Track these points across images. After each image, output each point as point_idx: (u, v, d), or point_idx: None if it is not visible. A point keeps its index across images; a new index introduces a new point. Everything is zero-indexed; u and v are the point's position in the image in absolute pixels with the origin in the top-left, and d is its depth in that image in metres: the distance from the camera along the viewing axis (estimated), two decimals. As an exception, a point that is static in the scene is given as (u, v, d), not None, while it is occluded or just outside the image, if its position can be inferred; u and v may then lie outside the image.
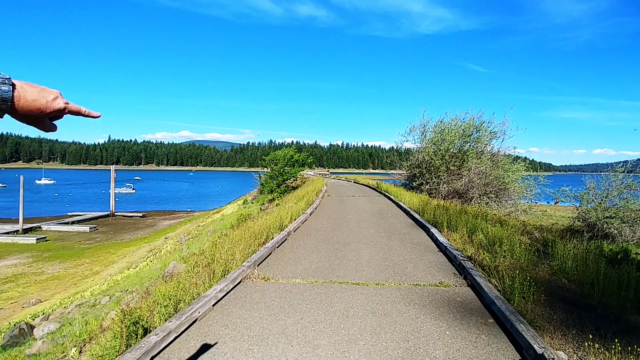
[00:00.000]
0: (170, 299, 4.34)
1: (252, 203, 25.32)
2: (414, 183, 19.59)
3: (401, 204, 13.97)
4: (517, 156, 18.60)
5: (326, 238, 8.27)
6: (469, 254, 6.21)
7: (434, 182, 18.03)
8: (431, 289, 4.98)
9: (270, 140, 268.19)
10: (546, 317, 3.98)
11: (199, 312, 4.00)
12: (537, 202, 21.24)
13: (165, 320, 3.84)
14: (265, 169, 25.44)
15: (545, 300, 4.37)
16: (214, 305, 4.34)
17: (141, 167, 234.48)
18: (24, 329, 8.64)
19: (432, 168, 18.38)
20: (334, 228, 9.54)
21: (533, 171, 18.90)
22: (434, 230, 8.53)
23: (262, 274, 5.52)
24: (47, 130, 1.04)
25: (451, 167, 17.74)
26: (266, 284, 5.18)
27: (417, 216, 10.87)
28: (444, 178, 17.73)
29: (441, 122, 19.46)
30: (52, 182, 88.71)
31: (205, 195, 73.57)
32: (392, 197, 16.82)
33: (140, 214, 40.65)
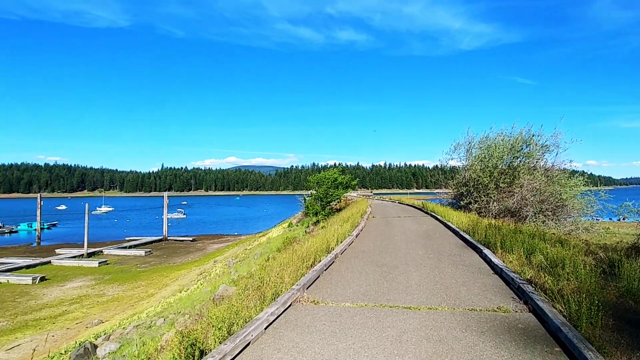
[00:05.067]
0: (224, 322, 4.46)
1: (297, 226, 25.60)
2: (461, 202, 18.89)
3: (449, 224, 13.49)
4: (573, 170, 17.44)
5: (374, 260, 8.15)
6: (528, 277, 5.84)
7: (483, 200, 17.28)
8: (489, 314, 4.72)
9: (313, 163, 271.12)
10: (614, 342, 3.68)
11: (252, 335, 4.07)
12: (598, 219, 19.63)
13: (220, 343, 3.94)
14: (309, 191, 25.72)
15: (613, 325, 4.03)
16: (265, 328, 4.40)
17: (191, 193, 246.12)
18: (88, 348, 9.19)
19: (480, 186, 17.66)
20: (381, 250, 9.39)
21: (593, 186, 17.56)
22: (486, 251, 8.14)
23: (312, 297, 5.53)
24: None
25: (501, 185, 16.95)
26: (316, 307, 5.17)
27: (467, 236, 10.43)
28: (494, 196, 16.95)
29: (486, 137, 18.82)
30: (111, 209, 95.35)
31: (252, 218, 75.47)
32: (439, 217, 16.32)
33: (191, 238, 42.39)
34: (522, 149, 17.54)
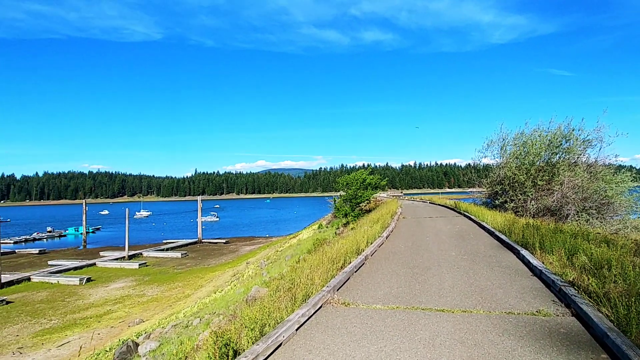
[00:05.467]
0: (256, 323, 4.54)
1: (327, 227, 25.63)
2: (496, 201, 18.22)
3: (484, 224, 13.06)
4: (620, 165, 16.39)
5: (405, 262, 8.02)
6: (570, 279, 5.55)
7: (520, 199, 16.59)
8: (527, 317, 4.52)
9: (342, 165, 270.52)
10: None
11: (284, 336, 4.11)
12: (650, 217, 18.35)
13: (253, 343, 4.01)
14: (338, 193, 25.71)
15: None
16: (297, 329, 4.43)
17: (223, 196, 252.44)
18: (130, 346, 9.62)
19: (516, 184, 16.96)
20: (412, 251, 9.23)
21: (642, 181, 16.47)
22: (524, 252, 7.81)
23: (342, 299, 5.52)
24: None
25: (539, 182, 16.21)
26: (346, 309, 5.15)
27: (503, 237, 10.05)
28: (531, 194, 16.23)
29: (521, 134, 18.04)
30: (149, 213, 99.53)
31: (282, 220, 76.35)
32: (472, 217, 15.83)
33: (224, 241, 43.43)
34: (561, 144, 16.68)
